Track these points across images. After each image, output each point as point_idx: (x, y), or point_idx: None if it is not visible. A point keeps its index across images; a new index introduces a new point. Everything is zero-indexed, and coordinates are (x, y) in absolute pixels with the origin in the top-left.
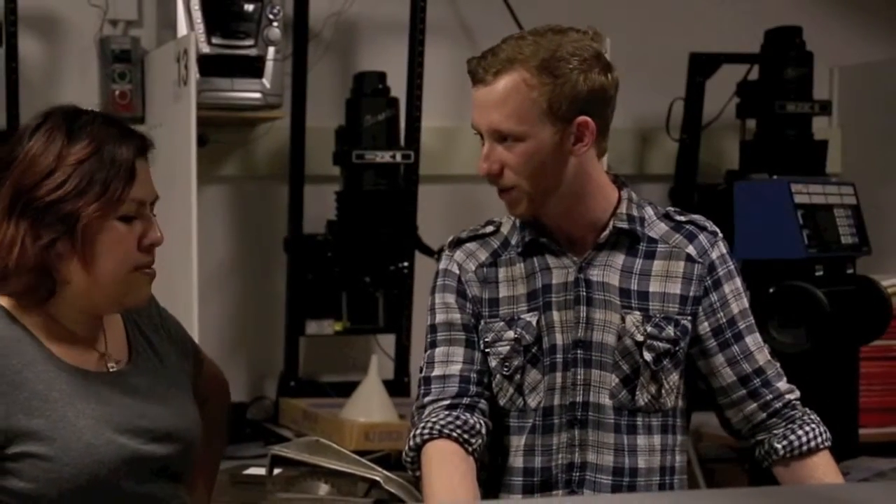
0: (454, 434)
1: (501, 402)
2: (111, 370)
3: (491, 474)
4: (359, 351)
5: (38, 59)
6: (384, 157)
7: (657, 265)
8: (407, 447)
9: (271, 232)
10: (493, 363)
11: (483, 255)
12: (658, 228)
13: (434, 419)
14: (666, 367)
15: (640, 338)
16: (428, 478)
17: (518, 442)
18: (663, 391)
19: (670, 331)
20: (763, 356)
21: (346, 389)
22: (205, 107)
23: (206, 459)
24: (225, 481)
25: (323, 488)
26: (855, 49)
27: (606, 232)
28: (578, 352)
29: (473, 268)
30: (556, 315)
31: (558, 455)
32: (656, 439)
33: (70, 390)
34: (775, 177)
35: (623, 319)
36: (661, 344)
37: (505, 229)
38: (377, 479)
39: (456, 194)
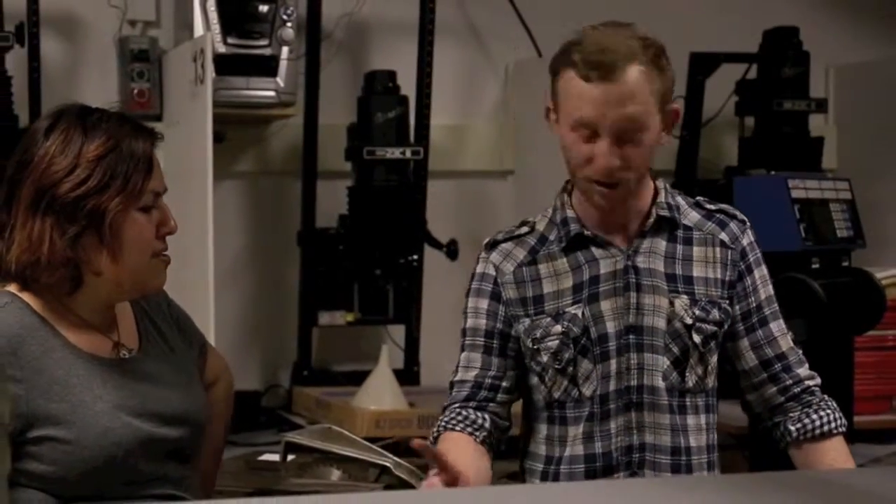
0: (457, 428)
1: (556, 394)
2: (124, 357)
3: (553, 466)
4: (369, 341)
5: (59, 59)
6: (394, 153)
7: (696, 251)
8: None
9: (285, 226)
10: (544, 358)
11: (521, 254)
12: (691, 216)
13: (445, 420)
14: (711, 349)
15: (689, 321)
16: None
17: (576, 431)
18: (707, 372)
19: (715, 313)
20: (786, 342)
21: (358, 378)
22: (221, 105)
23: (212, 442)
24: (240, 467)
25: (335, 474)
26: (850, 49)
27: (651, 220)
28: (630, 337)
29: (512, 269)
30: (604, 304)
31: (617, 439)
32: (702, 418)
33: (87, 376)
34: (773, 172)
35: (672, 303)
36: (708, 326)
37: (540, 227)
38: (387, 464)
39: (463, 189)
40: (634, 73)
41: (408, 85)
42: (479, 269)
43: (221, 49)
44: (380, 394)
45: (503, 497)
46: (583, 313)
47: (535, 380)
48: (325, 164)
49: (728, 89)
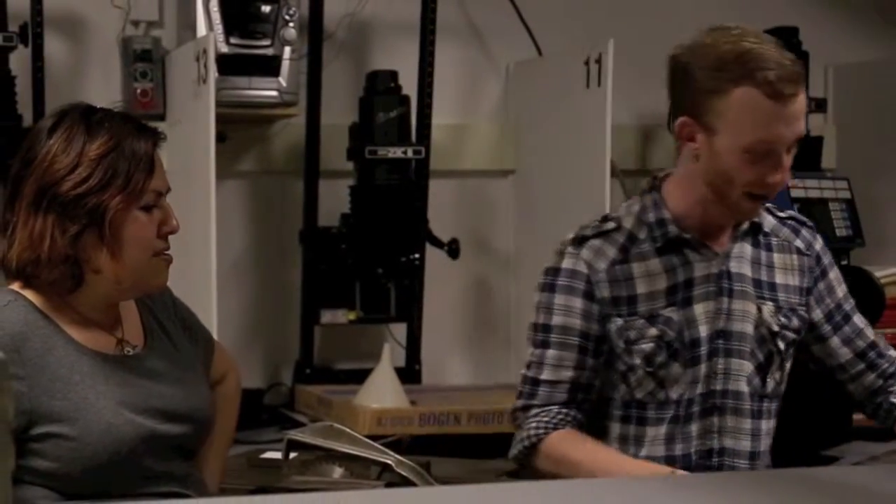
0: (568, 427)
1: (639, 395)
2: (128, 354)
3: None
4: (371, 339)
5: (63, 59)
6: (396, 152)
7: (776, 257)
8: (519, 447)
9: (287, 225)
10: (635, 360)
11: (612, 252)
12: (768, 222)
13: (546, 418)
14: (790, 355)
15: (775, 328)
16: (568, 454)
17: (655, 432)
18: (783, 377)
19: (795, 321)
20: (870, 330)
21: (360, 376)
22: (223, 104)
23: (219, 438)
24: (242, 464)
25: (337, 471)
26: (849, 49)
27: (745, 225)
28: (720, 342)
29: (604, 266)
30: (698, 308)
31: (697, 442)
32: (771, 423)
33: (91, 373)
34: None
35: (759, 310)
36: (790, 333)
37: (627, 224)
38: (389, 462)
39: (464, 188)
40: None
41: (409, 85)
42: (566, 265)
43: (224, 49)
44: (381, 392)
45: (504, 494)
46: (677, 316)
47: (614, 377)
48: (327, 164)
49: None
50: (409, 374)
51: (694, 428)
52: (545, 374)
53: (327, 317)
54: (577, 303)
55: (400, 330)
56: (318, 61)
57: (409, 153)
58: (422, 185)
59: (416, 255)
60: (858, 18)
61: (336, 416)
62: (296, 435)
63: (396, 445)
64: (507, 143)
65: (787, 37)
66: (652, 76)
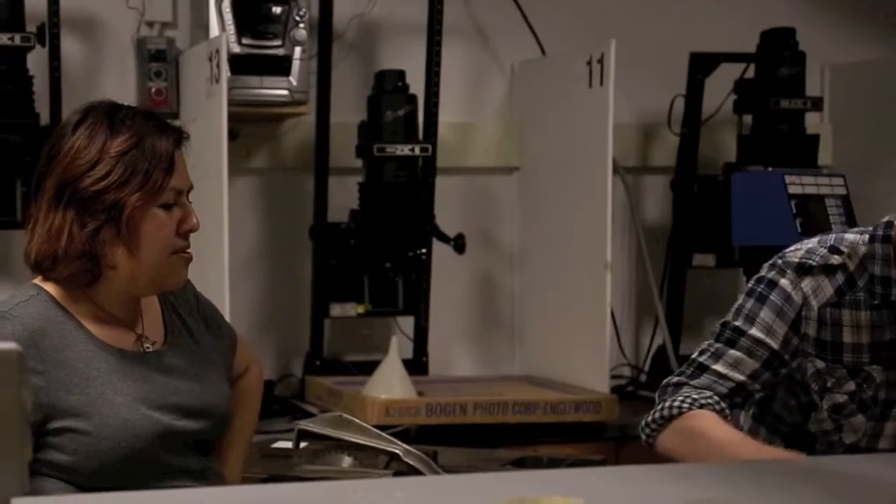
0: (715, 409)
1: (813, 428)
2: (147, 350)
3: None
4: (379, 332)
5: (79, 59)
6: (404, 150)
7: None
8: (655, 415)
9: (297, 220)
10: (824, 404)
11: (828, 292)
12: None
13: (696, 396)
14: None
15: None
16: (705, 432)
17: None
18: None
19: None
20: None
21: (368, 368)
22: (235, 103)
23: (240, 431)
24: (254, 454)
25: (346, 461)
26: (845, 49)
27: None
28: None
29: (818, 306)
30: None
31: None
32: None
33: (108, 369)
34: (770, 169)
35: None
36: None
37: (851, 265)
38: (397, 451)
39: (470, 185)
40: None
41: (416, 84)
42: (784, 286)
43: (236, 49)
44: (390, 383)
45: (509, 483)
46: (879, 376)
47: (791, 402)
48: (337, 161)
49: (727, 88)
50: (417, 365)
51: None
52: (717, 366)
53: (337, 310)
54: (781, 328)
55: (407, 323)
56: (327, 61)
57: (417, 151)
58: (428, 181)
59: (423, 250)
60: (854, 20)
61: (345, 406)
62: (306, 425)
63: (404, 435)
64: (512, 141)
65: (784, 37)
66: (652, 76)
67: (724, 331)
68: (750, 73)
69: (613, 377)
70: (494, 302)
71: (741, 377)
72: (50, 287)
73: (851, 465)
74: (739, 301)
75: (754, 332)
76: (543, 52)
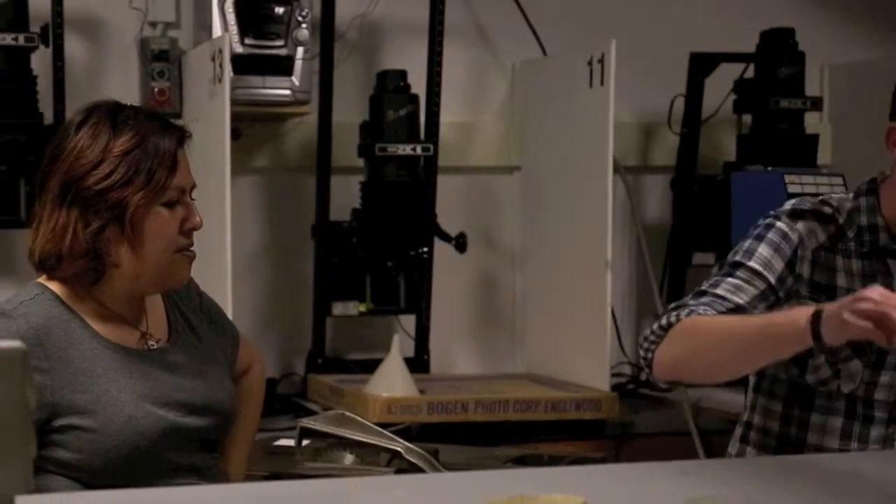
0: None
1: (809, 379)
2: (151, 348)
3: (793, 446)
4: (381, 330)
5: (83, 59)
6: (405, 149)
7: None
8: (654, 327)
9: (300, 219)
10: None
11: (822, 237)
12: None
13: (694, 309)
14: None
15: None
16: (705, 325)
17: (822, 421)
18: None
19: None
20: None
21: (370, 366)
22: (238, 103)
23: (243, 428)
24: (256, 452)
25: (348, 458)
26: (844, 49)
27: None
28: None
29: (813, 247)
30: None
31: (874, 447)
32: None
33: (113, 366)
34: (770, 168)
35: None
36: None
37: (840, 218)
38: (398, 449)
39: (471, 184)
40: None
41: (418, 84)
42: (781, 226)
43: (239, 49)
44: (391, 381)
45: (510, 480)
46: None
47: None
48: (339, 160)
49: (726, 88)
50: (418, 363)
51: (874, 433)
52: (717, 290)
53: (339, 308)
54: (779, 264)
55: (409, 321)
56: (329, 61)
57: (418, 150)
58: (430, 181)
59: (425, 249)
60: (853, 20)
61: (347, 404)
62: (308, 423)
63: (405, 433)
64: (513, 141)
65: (784, 37)
66: (652, 76)
67: (724, 267)
68: (750, 73)
69: (614, 375)
70: (495, 300)
71: (739, 300)
72: (54, 286)
73: (850, 462)
74: (739, 244)
75: (752, 264)
76: (544, 51)
